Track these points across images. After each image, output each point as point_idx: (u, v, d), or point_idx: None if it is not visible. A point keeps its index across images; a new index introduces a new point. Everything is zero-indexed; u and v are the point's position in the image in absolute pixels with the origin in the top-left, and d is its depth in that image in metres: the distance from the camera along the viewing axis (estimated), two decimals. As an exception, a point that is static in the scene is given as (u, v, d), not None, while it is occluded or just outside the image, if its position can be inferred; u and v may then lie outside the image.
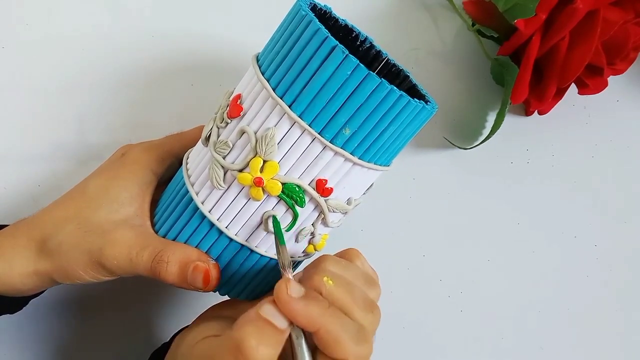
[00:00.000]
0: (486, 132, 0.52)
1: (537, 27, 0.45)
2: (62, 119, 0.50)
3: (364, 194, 0.39)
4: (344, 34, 0.40)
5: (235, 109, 0.36)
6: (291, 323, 0.32)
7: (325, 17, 0.39)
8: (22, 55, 0.50)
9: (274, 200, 0.36)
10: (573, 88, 0.50)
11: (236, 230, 0.38)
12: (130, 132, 0.50)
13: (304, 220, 0.37)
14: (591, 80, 0.49)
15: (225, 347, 0.32)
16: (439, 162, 0.53)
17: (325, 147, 0.35)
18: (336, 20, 0.40)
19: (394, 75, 0.41)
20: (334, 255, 0.38)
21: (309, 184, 0.36)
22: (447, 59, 0.53)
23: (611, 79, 0.49)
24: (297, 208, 0.36)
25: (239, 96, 0.37)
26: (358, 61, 0.32)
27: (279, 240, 0.36)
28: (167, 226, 0.40)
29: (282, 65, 0.35)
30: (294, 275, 0.35)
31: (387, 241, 0.53)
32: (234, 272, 0.39)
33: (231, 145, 0.36)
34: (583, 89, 0.50)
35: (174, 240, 0.40)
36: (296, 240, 0.39)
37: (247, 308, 0.34)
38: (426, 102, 0.36)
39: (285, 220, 0.37)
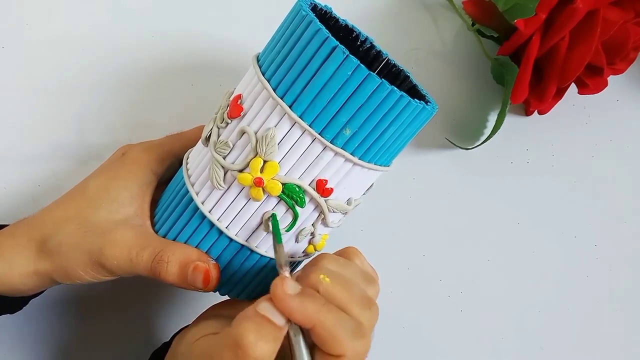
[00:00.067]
0: (487, 132, 0.52)
1: (537, 27, 0.45)
2: (62, 119, 0.50)
3: (364, 194, 0.39)
4: (345, 34, 0.40)
5: (235, 109, 0.36)
6: (289, 320, 0.32)
7: (325, 17, 0.39)
8: (22, 55, 0.50)
9: (274, 201, 0.36)
10: (573, 88, 0.50)
11: (236, 231, 0.38)
12: (130, 132, 0.50)
13: (304, 220, 0.37)
14: (591, 80, 0.49)
15: (224, 344, 0.32)
16: (439, 162, 0.53)
17: (325, 147, 0.35)
18: (336, 20, 0.40)
19: (394, 75, 0.41)
20: (334, 253, 0.38)
21: (309, 184, 0.36)
22: (447, 59, 0.53)
23: (611, 79, 0.49)
24: (297, 208, 0.36)
25: (239, 96, 0.37)
26: (359, 62, 0.32)
27: (276, 239, 0.36)
28: (167, 226, 0.40)
29: (282, 65, 0.35)
30: (293, 274, 0.35)
31: (387, 241, 0.53)
32: (234, 272, 0.40)
33: (231, 146, 0.36)
34: (583, 89, 0.50)
35: (174, 240, 0.40)
36: (296, 241, 0.39)
37: (247, 307, 0.34)
38: (426, 102, 0.36)
39: (285, 220, 0.37)
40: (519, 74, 0.46)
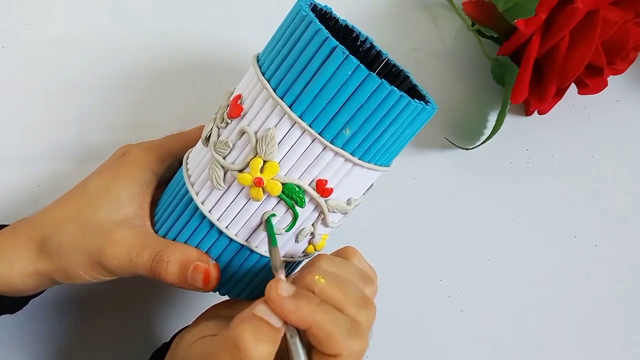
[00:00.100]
0: (487, 132, 0.52)
1: (537, 27, 0.45)
2: (62, 119, 0.50)
3: (364, 194, 0.39)
4: (344, 34, 0.40)
5: (235, 109, 0.36)
6: (285, 322, 0.32)
7: (325, 17, 0.39)
8: (22, 55, 0.50)
9: (274, 201, 0.36)
10: (573, 88, 0.50)
11: (236, 231, 0.38)
12: (130, 132, 0.50)
13: (304, 220, 0.37)
14: (591, 80, 0.49)
15: (223, 346, 0.33)
16: (439, 162, 0.53)
17: (325, 147, 0.35)
18: (336, 20, 0.40)
19: (394, 75, 0.41)
20: (332, 253, 0.38)
21: (309, 185, 0.36)
22: (447, 59, 0.53)
23: (611, 79, 0.49)
24: (297, 208, 0.36)
25: (239, 96, 0.37)
26: (358, 62, 0.32)
27: (271, 242, 0.36)
28: (167, 226, 0.40)
29: (282, 65, 0.35)
30: (291, 276, 0.35)
31: (387, 241, 0.53)
32: (234, 272, 0.40)
33: (231, 146, 0.36)
34: (583, 89, 0.50)
35: (174, 240, 0.40)
36: (296, 241, 0.39)
37: (246, 308, 0.34)
38: (426, 102, 0.37)
39: (285, 220, 0.37)
40: (519, 74, 0.46)
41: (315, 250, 0.40)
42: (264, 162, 0.35)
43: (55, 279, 0.40)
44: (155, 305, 0.52)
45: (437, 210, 0.53)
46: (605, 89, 0.49)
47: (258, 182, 0.35)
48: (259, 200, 0.36)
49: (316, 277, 0.34)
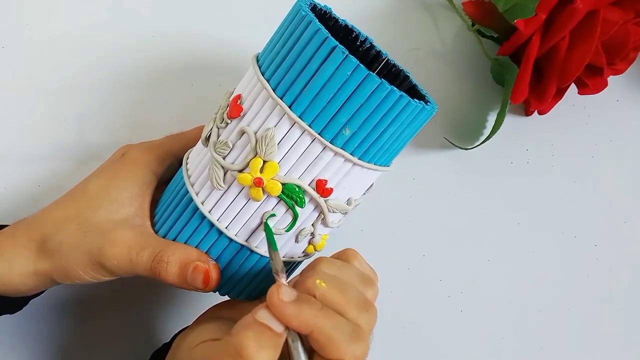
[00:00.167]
0: (486, 132, 0.52)
1: (537, 27, 0.45)
2: (62, 119, 0.50)
3: (364, 194, 0.39)
4: (344, 34, 0.40)
5: (235, 109, 0.36)
6: (287, 327, 0.32)
7: (325, 17, 0.39)
8: (22, 55, 0.50)
9: (274, 201, 0.36)
10: (573, 88, 0.50)
11: (236, 231, 0.38)
12: (130, 132, 0.50)
13: (304, 220, 0.37)
14: (591, 80, 0.49)
15: (225, 352, 0.32)
16: (439, 162, 0.53)
17: (325, 147, 0.35)
18: (336, 20, 0.40)
19: (394, 75, 0.41)
20: (332, 255, 0.38)
21: (309, 185, 0.36)
22: (447, 59, 0.53)
23: (611, 79, 0.49)
24: (297, 208, 0.36)
25: (239, 96, 0.37)
26: (358, 62, 0.32)
27: (272, 246, 0.36)
28: (167, 226, 0.40)
29: (282, 65, 0.35)
30: (290, 280, 0.35)
31: (387, 241, 0.53)
32: (234, 273, 0.39)
33: (231, 146, 0.36)
34: (583, 89, 0.50)
35: (174, 240, 0.40)
36: (296, 241, 0.39)
37: (247, 308, 0.34)
38: (426, 102, 0.36)
39: (285, 220, 0.37)
40: (519, 74, 0.46)
41: (315, 250, 0.40)
42: (264, 162, 0.35)
43: (55, 279, 0.40)
44: (155, 305, 0.52)
45: (437, 210, 0.53)
46: (605, 89, 0.49)
47: (258, 182, 0.35)
48: (258, 201, 0.36)
49: (317, 281, 0.34)
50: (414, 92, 0.40)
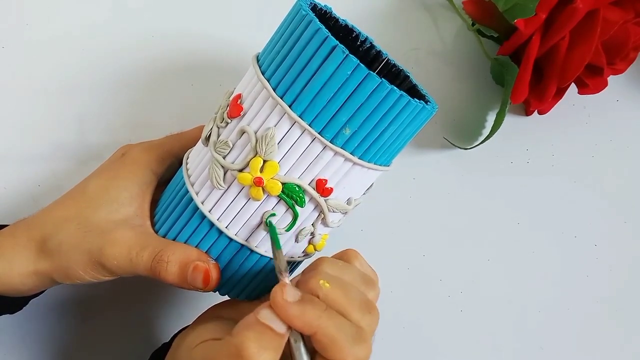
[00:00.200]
0: (486, 132, 0.52)
1: (537, 26, 0.45)
2: (62, 119, 0.50)
3: (364, 194, 0.39)
4: (344, 34, 0.40)
5: (235, 109, 0.36)
6: (289, 327, 0.32)
7: (325, 17, 0.39)
8: (22, 55, 0.50)
9: (274, 200, 0.36)
10: (573, 88, 0.50)
11: (236, 230, 0.38)
12: (130, 132, 0.50)
13: (304, 220, 0.37)
14: (591, 80, 0.49)
15: (226, 352, 0.32)
16: (439, 162, 0.53)
17: (325, 147, 0.35)
18: (336, 20, 0.40)
19: (394, 75, 0.41)
20: (333, 256, 0.38)
21: (309, 184, 0.36)
22: (447, 59, 0.53)
23: (611, 79, 0.49)
24: (297, 208, 0.36)
25: (239, 96, 0.37)
26: (358, 61, 0.32)
27: (275, 245, 0.36)
28: (167, 226, 0.40)
29: (282, 65, 0.35)
30: (291, 279, 0.35)
31: (387, 241, 0.53)
32: (234, 272, 0.39)
33: (231, 145, 0.36)
34: (583, 89, 0.50)
35: (174, 240, 0.40)
36: (296, 240, 0.39)
37: (247, 308, 0.34)
38: (426, 102, 0.36)
39: (285, 220, 0.37)
40: (519, 74, 0.46)
41: (315, 250, 0.40)
42: (264, 161, 0.35)
43: (55, 279, 0.40)
44: (155, 305, 0.52)
45: (437, 210, 0.53)
46: (605, 89, 0.49)
47: (258, 182, 0.35)
48: (258, 200, 0.36)
49: (321, 281, 0.33)
50: (414, 92, 0.40)
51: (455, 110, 0.52)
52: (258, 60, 0.37)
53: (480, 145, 0.50)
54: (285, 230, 0.37)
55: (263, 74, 0.36)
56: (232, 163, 0.36)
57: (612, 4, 0.45)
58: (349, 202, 0.38)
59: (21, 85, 0.50)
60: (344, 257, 0.37)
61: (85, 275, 0.39)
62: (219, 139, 0.37)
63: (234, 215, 0.37)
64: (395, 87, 0.33)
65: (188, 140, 0.44)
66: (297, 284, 0.34)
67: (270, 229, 0.36)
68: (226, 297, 0.42)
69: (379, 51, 0.41)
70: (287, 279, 0.34)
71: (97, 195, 0.41)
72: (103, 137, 0.50)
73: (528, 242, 0.54)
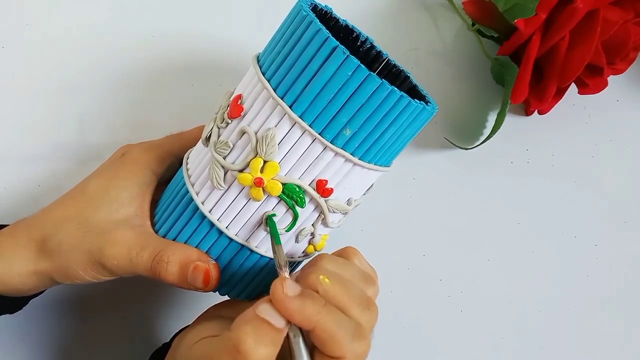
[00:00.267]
0: (486, 132, 0.52)
1: (537, 26, 0.45)
2: (62, 119, 0.50)
3: (364, 194, 0.39)
4: (345, 34, 0.40)
5: (235, 109, 0.36)
6: (288, 322, 0.32)
7: (325, 17, 0.39)
8: (22, 55, 0.50)
9: (274, 201, 0.36)
10: (573, 88, 0.50)
11: (236, 231, 0.38)
12: (130, 132, 0.50)
13: (304, 220, 0.37)
14: (591, 80, 0.49)
15: (224, 348, 0.32)
16: (439, 162, 0.53)
17: (325, 147, 0.35)
18: (337, 20, 0.40)
19: (395, 76, 0.41)
20: (333, 253, 0.38)
21: (309, 185, 0.36)
22: (447, 59, 0.53)
23: (611, 79, 0.49)
24: (297, 208, 0.36)
25: (239, 96, 0.37)
26: (359, 62, 0.32)
27: (275, 240, 0.36)
28: (167, 226, 0.40)
29: (282, 65, 0.35)
30: (291, 275, 0.35)
31: (387, 241, 0.53)
32: (234, 272, 0.39)
33: (231, 146, 0.36)
34: (583, 89, 0.50)
35: (174, 240, 0.40)
36: (296, 241, 0.39)
37: (247, 308, 0.34)
38: (426, 102, 0.36)
39: (285, 220, 0.37)
40: (519, 74, 0.46)
41: (315, 250, 0.40)
42: (264, 162, 0.35)
43: (55, 279, 0.40)
44: (155, 305, 0.52)
45: (437, 210, 0.53)
46: (605, 89, 0.49)
47: (258, 182, 0.35)
48: (259, 201, 0.36)
49: (321, 277, 0.33)
50: (414, 92, 0.40)
51: (456, 110, 0.52)
52: (258, 61, 0.37)
53: (480, 146, 0.50)
54: (286, 231, 0.37)
55: (264, 74, 0.36)
56: (233, 163, 0.36)
57: (612, 4, 0.45)
58: (349, 202, 0.38)
59: (21, 85, 0.50)
60: (343, 254, 0.38)
61: (85, 275, 0.39)
62: (220, 139, 0.37)
63: (234, 215, 0.37)
64: (395, 88, 0.33)
65: (188, 140, 0.44)
66: (297, 279, 0.34)
67: (271, 225, 0.36)
68: (226, 297, 0.42)
69: (380, 51, 0.41)
70: (286, 273, 0.34)
71: (97, 195, 0.41)
72: (103, 137, 0.50)
73: (528, 242, 0.54)
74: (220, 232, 0.38)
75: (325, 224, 0.38)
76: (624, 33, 0.46)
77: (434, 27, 0.52)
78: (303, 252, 0.40)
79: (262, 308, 0.32)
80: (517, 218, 0.53)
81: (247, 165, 0.36)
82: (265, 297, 0.33)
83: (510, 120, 0.52)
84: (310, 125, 0.34)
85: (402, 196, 0.53)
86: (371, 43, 0.41)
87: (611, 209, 0.54)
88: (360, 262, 0.38)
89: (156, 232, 0.41)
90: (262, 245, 0.38)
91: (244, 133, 0.36)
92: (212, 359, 0.33)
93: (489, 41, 0.50)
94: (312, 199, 0.36)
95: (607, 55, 0.46)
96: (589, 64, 0.46)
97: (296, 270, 0.42)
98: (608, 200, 0.54)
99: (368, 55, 0.41)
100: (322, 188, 0.36)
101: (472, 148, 0.51)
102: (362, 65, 0.32)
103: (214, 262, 0.39)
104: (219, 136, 0.37)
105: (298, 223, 0.37)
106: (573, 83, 0.49)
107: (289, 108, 0.34)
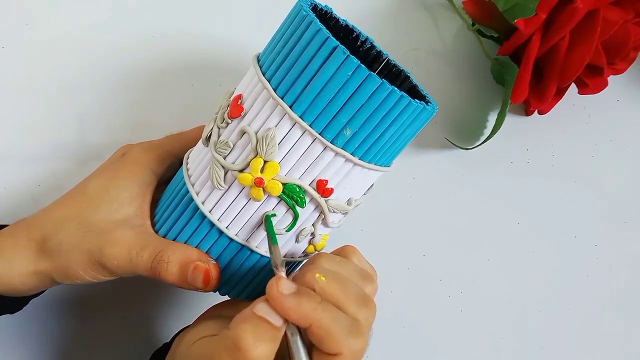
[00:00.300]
0: (487, 132, 0.52)
1: (537, 26, 0.45)
2: (62, 119, 0.50)
3: (364, 194, 0.39)
4: (345, 34, 0.40)
5: (236, 109, 0.36)
6: (286, 320, 0.32)
7: (326, 17, 0.39)
8: (22, 55, 0.50)
9: (275, 201, 0.36)
10: (573, 88, 0.50)
11: (236, 231, 0.38)
12: (130, 132, 0.50)
13: (305, 220, 0.37)
14: (591, 80, 0.49)
15: (223, 346, 0.32)
16: (439, 162, 0.53)
17: (325, 147, 0.35)
18: (337, 20, 0.40)
19: (395, 75, 0.41)
20: (331, 252, 0.38)
21: (309, 185, 0.36)
22: (447, 59, 0.53)
23: (611, 79, 0.49)
24: (298, 208, 0.36)
25: (239, 96, 0.37)
26: (359, 62, 0.32)
27: (271, 240, 0.36)
28: (167, 226, 0.40)
29: (283, 65, 0.35)
30: (290, 275, 0.35)
31: (387, 241, 0.53)
32: (234, 272, 0.40)
33: (232, 146, 0.36)
34: (583, 89, 0.50)
35: (174, 240, 0.40)
36: (296, 241, 0.39)
37: (246, 308, 0.34)
38: (427, 102, 0.37)
39: (285, 220, 0.37)
40: (519, 74, 0.46)
41: (315, 250, 0.40)
42: (265, 162, 0.35)
43: (55, 279, 0.40)
44: (155, 305, 0.52)
45: (437, 210, 0.53)
46: (605, 88, 0.49)
47: (258, 182, 0.35)
48: (259, 201, 0.36)
49: (317, 275, 0.34)
50: (414, 92, 0.40)
51: (456, 110, 0.52)
52: (259, 61, 0.37)
53: (480, 146, 0.50)
54: (286, 231, 0.37)
55: (264, 74, 0.36)
56: (233, 163, 0.36)
57: (612, 4, 0.45)
58: (349, 202, 0.38)
59: (21, 85, 0.50)
60: (342, 252, 0.38)
61: (85, 275, 0.39)
62: (220, 139, 0.37)
63: (234, 215, 0.37)
64: (395, 88, 0.33)
65: (188, 140, 0.44)
66: (294, 278, 0.35)
67: (268, 224, 0.36)
68: (226, 297, 0.42)
69: (380, 51, 0.41)
70: (283, 273, 0.34)
71: (97, 195, 0.41)
72: (103, 137, 0.50)
73: (528, 242, 0.54)
74: (221, 232, 0.38)
75: (325, 224, 0.38)
76: (624, 33, 0.46)
77: (434, 27, 0.52)
78: (303, 252, 0.40)
79: (260, 307, 0.32)
80: (517, 218, 0.53)
81: (248, 165, 0.36)
82: (262, 297, 0.33)
83: (510, 120, 0.52)
84: (310, 125, 0.34)
85: (402, 196, 0.53)
86: (371, 43, 0.41)
87: (611, 209, 0.54)
88: (358, 260, 0.38)
89: (156, 232, 0.41)
90: (262, 246, 0.38)
91: (244, 133, 0.36)
92: (212, 357, 0.33)
93: (489, 41, 0.50)
94: (312, 199, 0.36)
95: (607, 55, 0.46)
96: (589, 64, 0.46)
97: (296, 270, 0.42)
98: (608, 200, 0.54)
99: (368, 55, 0.41)
100: (323, 188, 0.36)
101: (472, 148, 0.51)
102: (362, 65, 0.32)
103: (214, 262, 0.39)
104: (219, 136, 0.37)
105: (298, 223, 0.37)
106: (573, 83, 0.49)
107: (289, 108, 0.34)
